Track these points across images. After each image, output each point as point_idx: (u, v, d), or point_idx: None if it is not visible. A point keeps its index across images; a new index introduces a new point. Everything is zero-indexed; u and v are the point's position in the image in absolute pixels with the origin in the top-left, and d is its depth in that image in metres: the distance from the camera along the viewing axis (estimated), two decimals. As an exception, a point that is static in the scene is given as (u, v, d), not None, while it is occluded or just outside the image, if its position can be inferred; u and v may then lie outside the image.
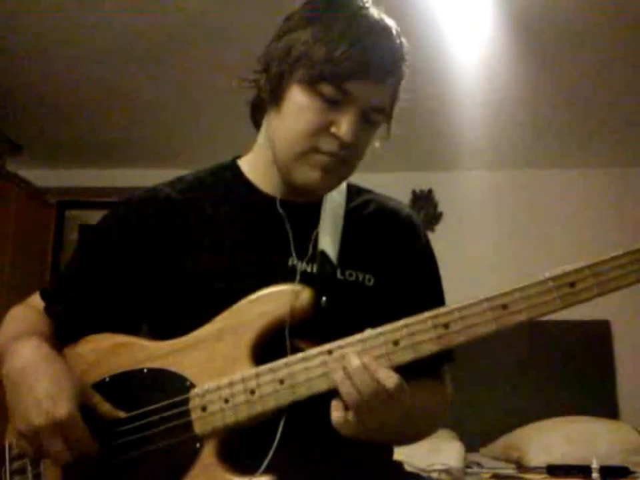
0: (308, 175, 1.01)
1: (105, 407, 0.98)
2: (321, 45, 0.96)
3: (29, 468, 1.01)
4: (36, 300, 1.14)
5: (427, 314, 0.90)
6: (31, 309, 1.13)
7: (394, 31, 1.01)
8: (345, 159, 1.01)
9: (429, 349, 0.89)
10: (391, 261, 1.09)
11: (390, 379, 0.86)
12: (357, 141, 0.99)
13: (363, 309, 1.04)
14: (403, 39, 1.03)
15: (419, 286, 1.12)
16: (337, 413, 0.88)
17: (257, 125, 1.11)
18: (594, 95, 3.31)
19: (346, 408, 0.87)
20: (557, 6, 2.60)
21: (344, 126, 0.97)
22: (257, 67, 1.05)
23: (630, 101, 3.36)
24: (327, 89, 0.97)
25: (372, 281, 1.06)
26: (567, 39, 2.83)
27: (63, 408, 0.90)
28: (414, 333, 0.89)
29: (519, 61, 2.96)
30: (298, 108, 0.99)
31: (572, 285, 0.86)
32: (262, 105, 1.07)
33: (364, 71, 0.96)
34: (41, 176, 4.11)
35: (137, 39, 2.88)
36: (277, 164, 1.04)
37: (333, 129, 0.98)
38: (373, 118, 1.01)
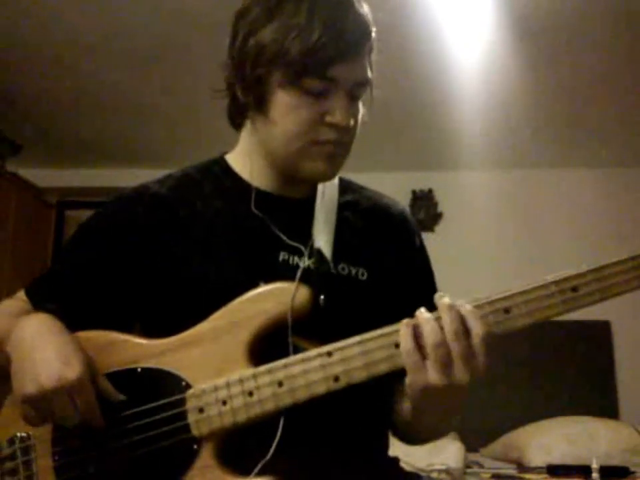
0: (313, 167, 1.00)
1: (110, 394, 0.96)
2: (292, 38, 0.93)
3: (21, 469, 0.99)
4: (24, 296, 1.11)
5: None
6: (22, 302, 1.10)
7: None
8: (344, 142, 1.01)
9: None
10: (384, 256, 1.09)
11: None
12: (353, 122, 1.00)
13: (358, 303, 1.03)
14: (362, 1, 1.00)
15: (413, 281, 1.11)
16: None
17: (238, 126, 1.10)
18: (594, 96, 3.31)
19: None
20: (557, 8, 2.60)
21: (338, 112, 0.96)
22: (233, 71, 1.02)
23: (630, 102, 3.36)
24: (312, 83, 0.95)
25: (365, 275, 1.05)
26: (566, 41, 2.83)
27: (73, 369, 0.90)
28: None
29: (519, 61, 2.96)
30: (288, 110, 0.97)
31: (574, 289, 0.84)
32: (242, 110, 1.05)
33: (343, 52, 0.94)
34: (41, 176, 4.10)
35: (137, 40, 2.88)
36: (278, 164, 1.03)
37: (328, 118, 0.97)
38: (358, 93, 1.01)
